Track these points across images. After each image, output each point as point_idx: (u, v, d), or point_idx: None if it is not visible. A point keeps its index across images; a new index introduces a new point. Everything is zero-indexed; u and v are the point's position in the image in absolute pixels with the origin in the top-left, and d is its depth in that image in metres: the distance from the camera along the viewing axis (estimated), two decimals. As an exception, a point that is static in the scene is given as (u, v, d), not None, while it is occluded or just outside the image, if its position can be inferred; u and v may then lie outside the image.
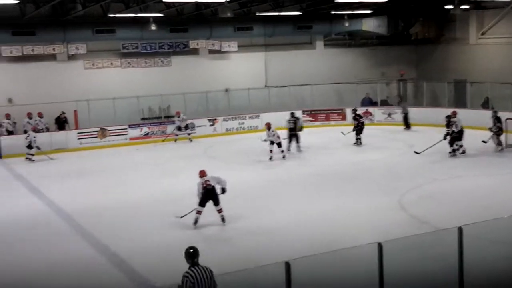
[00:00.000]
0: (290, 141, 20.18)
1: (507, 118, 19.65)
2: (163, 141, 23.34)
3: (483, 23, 27.55)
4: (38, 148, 20.33)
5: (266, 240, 11.45)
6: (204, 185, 12.20)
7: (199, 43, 25.87)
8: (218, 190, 12.35)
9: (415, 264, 8.81)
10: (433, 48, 29.50)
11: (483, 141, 18.97)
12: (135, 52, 24.96)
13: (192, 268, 6.72)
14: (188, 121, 23.69)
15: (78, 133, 22.59)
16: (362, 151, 20.41)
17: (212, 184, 12.24)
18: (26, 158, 20.19)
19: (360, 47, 29.81)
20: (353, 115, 21.82)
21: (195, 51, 26.15)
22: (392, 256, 7.29)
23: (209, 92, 25.54)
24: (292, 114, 20.76)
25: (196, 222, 12.22)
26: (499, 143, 18.87)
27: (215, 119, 24.82)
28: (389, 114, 25.82)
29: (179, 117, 23.53)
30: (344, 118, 25.93)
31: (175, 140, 23.37)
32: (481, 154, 18.64)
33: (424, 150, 18.73)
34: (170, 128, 23.80)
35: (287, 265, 6.55)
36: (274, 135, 18.86)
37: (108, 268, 10.42)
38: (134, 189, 16.02)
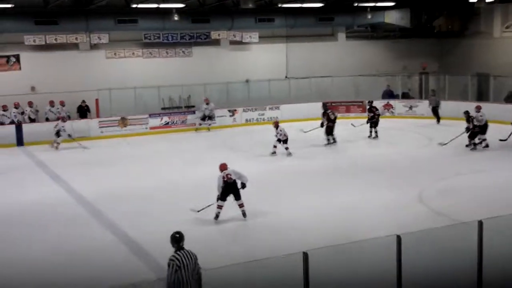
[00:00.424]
0: (328, 133, 19.80)
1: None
2: (196, 130, 23.63)
3: (508, 16, 27.20)
4: (70, 136, 20.39)
5: (285, 232, 11.46)
6: (225, 179, 12.03)
7: (221, 34, 25.89)
8: (238, 185, 12.22)
9: (433, 257, 8.74)
10: (457, 42, 29.18)
11: (501, 140, 18.76)
12: (156, 43, 25.06)
13: (178, 252, 6.97)
14: (214, 111, 23.74)
15: (100, 121, 22.77)
16: (382, 144, 20.30)
17: (233, 178, 12.09)
18: (52, 146, 20.28)
19: (382, 40, 29.59)
20: (369, 107, 21.65)
21: (216, 42, 26.19)
22: (411, 249, 7.26)
23: (230, 83, 25.58)
24: (325, 104, 20.78)
25: (217, 216, 12.09)
26: None
27: (235, 110, 24.81)
28: (410, 107, 25.63)
29: (207, 104, 23.51)
30: (364, 111, 25.63)
31: (196, 130, 23.47)
32: (503, 149, 18.44)
33: (448, 142, 18.63)
34: (190, 118, 23.92)
35: (305, 255, 6.56)
36: (281, 133, 18.43)
37: (128, 256, 10.52)
38: (154, 178, 16.11)
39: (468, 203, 12.89)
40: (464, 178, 15.31)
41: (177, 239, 7.06)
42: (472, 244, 7.45)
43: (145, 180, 15.94)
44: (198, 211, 12.21)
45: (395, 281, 6.94)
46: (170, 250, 10.50)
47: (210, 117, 23.66)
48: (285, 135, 18.41)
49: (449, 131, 19.99)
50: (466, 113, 18.60)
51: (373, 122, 20.89)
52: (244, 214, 12.23)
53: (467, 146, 18.40)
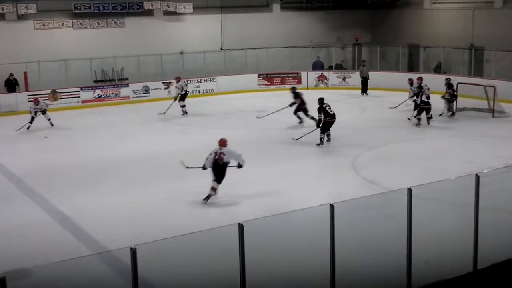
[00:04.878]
0: (325, 131, 15.95)
1: (459, 83, 20.04)
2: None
3: (438, -12, 27.88)
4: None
5: (221, 202, 11.51)
6: (217, 157, 11.04)
7: (154, 4, 25.37)
8: (233, 163, 11.38)
9: (366, 224, 8.99)
10: (388, 13, 29.68)
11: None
12: (87, 13, 24.33)
13: None
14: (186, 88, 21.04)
15: (28, 95, 21.98)
16: (315, 114, 20.41)
17: (225, 160, 11.10)
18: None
19: (317, 11, 29.72)
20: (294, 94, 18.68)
21: (149, 12, 25.65)
22: (344, 217, 7.42)
23: (164, 54, 25.18)
24: (321, 99, 16.40)
25: (207, 198, 11.18)
26: (449, 109, 19.20)
27: (170, 82, 24.46)
28: (344, 78, 26.00)
29: (178, 82, 21.00)
30: (299, 82, 26.02)
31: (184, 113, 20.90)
32: (434, 119, 18.95)
33: (397, 106, 19.85)
34: (123, 91, 23.48)
35: (241, 227, 6.59)
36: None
37: (62, 233, 10.34)
38: (87, 152, 15.84)
39: (399, 171, 13.28)
40: (395, 147, 15.73)
41: None
42: (402, 210, 7.67)
43: (77, 155, 15.60)
44: (187, 167, 11.63)
45: (328, 248, 7.07)
46: (104, 224, 10.47)
47: (184, 97, 20.97)
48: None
49: (383, 102, 20.45)
50: (419, 86, 18.92)
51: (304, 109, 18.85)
52: (207, 198, 11.27)
53: (414, 122, 18.14)
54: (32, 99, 19.53)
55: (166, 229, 9.75)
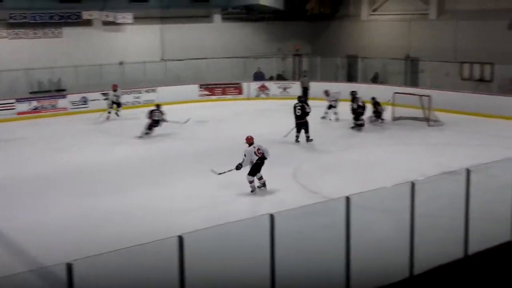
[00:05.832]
0: (298, 131, 17.39)
1: (395, 92, 20.57)
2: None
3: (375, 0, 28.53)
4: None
5: (159, 214, 11.39)
6: (259, 155, 12.13)
7: (92, 14, 25.01)
8: None
9: (305, 233, 9.05)
10: (328, 24, 30.22)
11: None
12: (23, 23, 23.78)
13: None
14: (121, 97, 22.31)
15: (-38, 107, 21.31)
16: (258, 124, 20.53)
17: (262, 153, 12.21)
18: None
19: (258, 22, 29.98)
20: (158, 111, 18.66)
21: (88, 23, 25.30)
22: (284, 226, 7.45)
23: (103, 65, 24.81)
24: (299, 97, 18.15)
25: (254, 190, 12.32)
26: (378, 116, 19.90)
27: (109, 93, 24.08)
28: (285, 89, 26.24)
29: (115, 91, 21.92)
30: (240, 92, 26.12)
31: (107, 118, 21.73)
32: (372, 128, 19.37)
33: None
34: (61, 102, 22.98)
35: (180, 239, 6.53)
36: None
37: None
38: (24, 165, 15.41)
39: (339, 180, 13.45)
40: (335, 155, 15.97)
41: None
42: (341, 219, 7.77)
43: (14, 168, 15.15)
44: (219, 174, 12.45)
45: (268, 259, 7.09)
46: (42, 239, 10.17)
47: (120, 104, 22.18)
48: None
49: (321, 111, 20.71)
50: (352, 93, 19.54)
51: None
52: (264, 185, 12.50)
53: (354, 128, 19.07)
54: None
55: (113, 242, 9.55)
